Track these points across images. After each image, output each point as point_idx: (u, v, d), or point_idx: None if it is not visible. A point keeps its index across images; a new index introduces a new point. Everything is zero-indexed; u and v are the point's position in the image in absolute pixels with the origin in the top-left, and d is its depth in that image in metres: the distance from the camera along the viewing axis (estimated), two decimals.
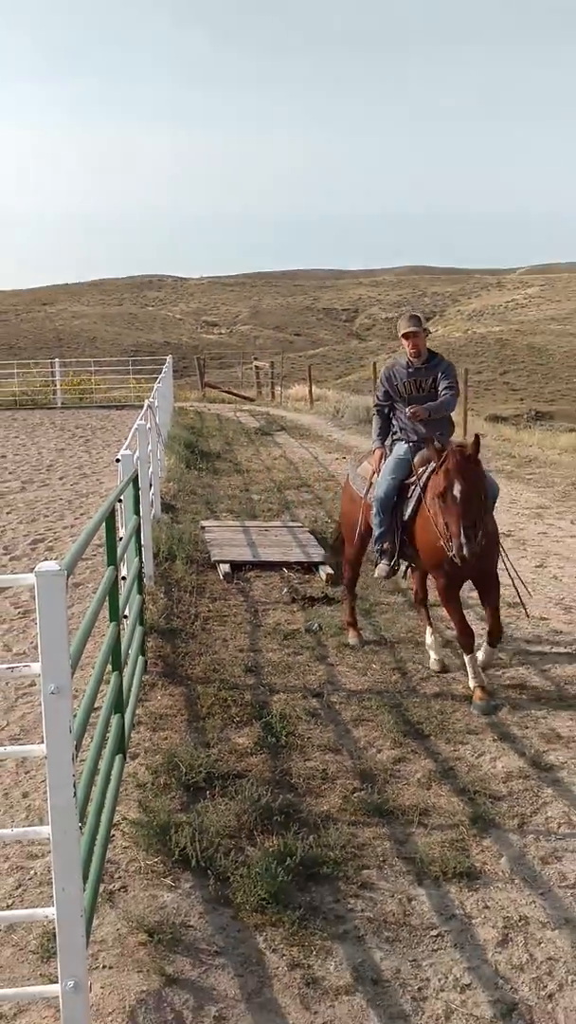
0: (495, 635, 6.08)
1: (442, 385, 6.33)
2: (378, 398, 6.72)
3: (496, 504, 6.12)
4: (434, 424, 6.30)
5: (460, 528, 5.35)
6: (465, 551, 5.32)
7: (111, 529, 4.74)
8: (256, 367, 38.51)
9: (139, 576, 6.25)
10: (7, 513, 12.26)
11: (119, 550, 5.04)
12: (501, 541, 6.10)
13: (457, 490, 5.43)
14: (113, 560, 4.71)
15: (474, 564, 5.53)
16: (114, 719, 4.52)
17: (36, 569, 2.74)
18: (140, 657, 5.93)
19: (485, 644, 6.12)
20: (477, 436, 5.86)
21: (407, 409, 6.32)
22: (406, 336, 6.35)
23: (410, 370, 6.37)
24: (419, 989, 3.33)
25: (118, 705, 4.62)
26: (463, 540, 5.33)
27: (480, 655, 6.00)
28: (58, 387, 30.97)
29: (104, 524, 4.52)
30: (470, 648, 5.84)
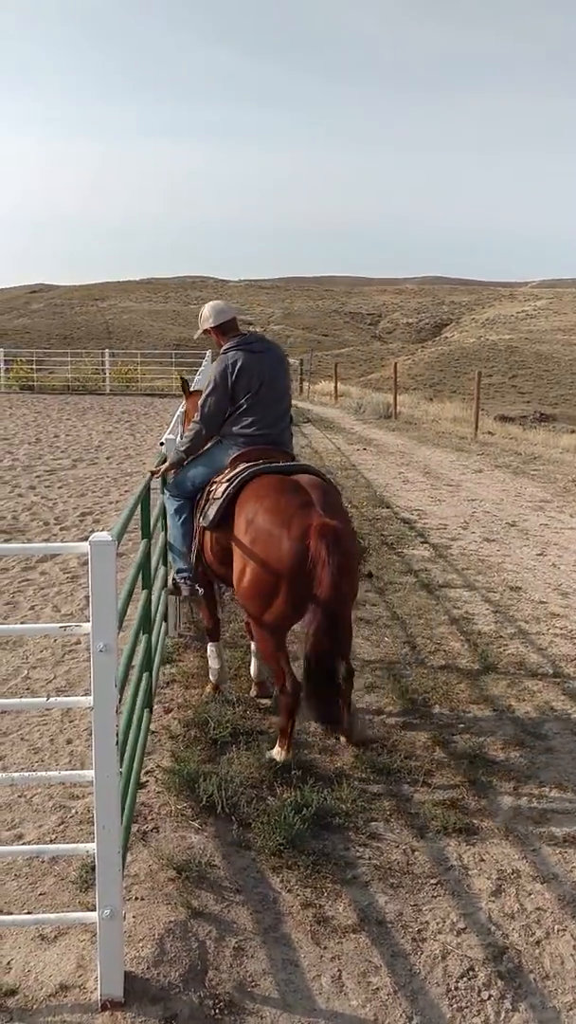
0: None
1: None
2: None
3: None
4: None
5: None
6: None
7: (146, 505, 4.74)
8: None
9: None
10: (59, 488, 12.32)
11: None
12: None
13: None
14: (147, 533, 4.73)
15: None
16: (144, 676, 4.55)
17: (90, 539, 2.76)
18: (163, 623, 5.88)
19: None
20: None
21: None
22: None
23: None
24: (419, 931, 3.35)
25: (147, 664, 4.63)
26: None
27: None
28: (107, 375, 31.08)
29: (140, 500, 4.52)
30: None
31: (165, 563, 5.74)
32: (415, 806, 4.15)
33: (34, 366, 32.80)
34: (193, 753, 4.50)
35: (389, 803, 4.17)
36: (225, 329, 5.15)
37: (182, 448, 5.19)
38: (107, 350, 33.48)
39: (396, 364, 28.66)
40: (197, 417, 5.09)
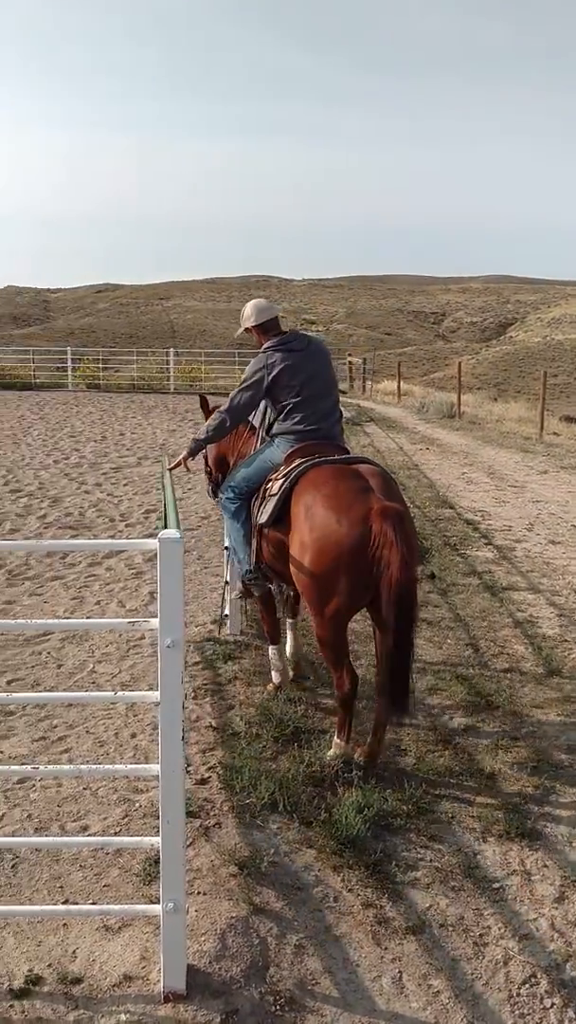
0: None
1: None
2: None
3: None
4: None
5: None
6: None
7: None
8: (350, 362, 38.34)
9: None
10: (124, 485, 12.48)
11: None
12: None
13: None
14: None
15: None
16: None
17: (159, 536, 2.79)
18: None
19: None
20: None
21: None
22: None
23: None
24: (480, 935, 3.32)
25: None
26: None
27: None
28: (171, 374, 31.38)
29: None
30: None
31: None
32: (477, 809, 4.12)
33: (100, 365, 33.26)
34: (255, 750, 4.53)
35: (450, 806, 4.15)
36: (266, 328, 5.15)
37: (202, 436, 5.23)
38: (171, 349, 33.81)
39: (460, 363, 28.41)
40: (224, 407, 5.11)
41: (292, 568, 4.54)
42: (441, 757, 4.57)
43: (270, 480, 4.89)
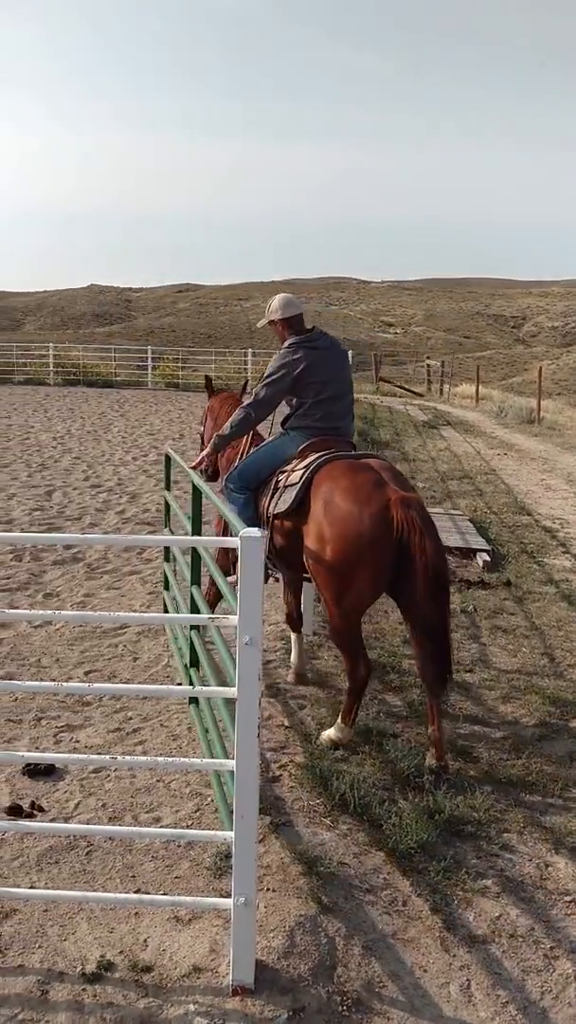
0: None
1: None
2: None
3: None
4: None
5: None
6: None
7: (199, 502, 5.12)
8: (427, 365, 38.09)
9: None
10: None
11: None
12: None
13: None
14: (198, 529, 5.24)
15: None
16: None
17: (240, 533, 2.82)
18: None
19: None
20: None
21: None
22: None
23: None
24: (551, 948, 3.27)
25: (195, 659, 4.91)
26: None
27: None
28: (249, 374, 31.54)
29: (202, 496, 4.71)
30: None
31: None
32: (549, 820, 4.06)
33: (180, 364, 33.66)
34: (326, 751, 4.53)
35: (523, 815, 4.09)
36: (292, 323, 5.18)
37: (226, 433, 5.25)
38: (249, 349, 34.04)
39: (540, 368, 27.97)
40: (248, 402, 5.13)
41: (309, 561, 4.59)
42: (514, 766, 4.51)
43: (283, 471, 4.92)
